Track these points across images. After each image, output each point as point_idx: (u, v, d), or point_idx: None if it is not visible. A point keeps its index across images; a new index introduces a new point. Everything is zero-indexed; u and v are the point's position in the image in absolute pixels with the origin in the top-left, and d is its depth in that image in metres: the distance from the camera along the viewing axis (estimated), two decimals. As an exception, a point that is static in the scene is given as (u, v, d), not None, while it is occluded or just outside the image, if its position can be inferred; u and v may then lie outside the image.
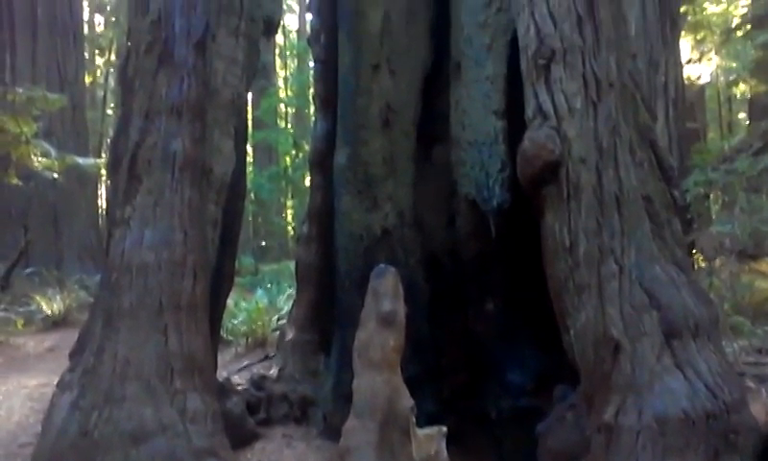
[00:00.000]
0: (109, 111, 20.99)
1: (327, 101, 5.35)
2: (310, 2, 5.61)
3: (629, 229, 3.21)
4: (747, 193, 6.63)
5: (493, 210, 4.37)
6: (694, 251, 6.81)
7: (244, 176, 4.91)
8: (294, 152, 17.53)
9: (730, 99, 15.49)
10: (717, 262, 6.53)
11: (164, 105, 3.59)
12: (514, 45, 4.08)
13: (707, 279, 6.12)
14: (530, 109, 3.58)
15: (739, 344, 5.29)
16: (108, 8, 20.08)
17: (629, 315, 3.05)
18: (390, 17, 4.92)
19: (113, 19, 19.10)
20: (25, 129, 9.34)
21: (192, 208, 3.62)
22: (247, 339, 7.49)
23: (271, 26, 4.53)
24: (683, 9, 10.31)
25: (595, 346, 3.09)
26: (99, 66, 21.67)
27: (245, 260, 15.51)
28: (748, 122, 14.72)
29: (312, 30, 5.68)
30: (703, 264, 6.84)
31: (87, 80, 17.86)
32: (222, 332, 6.37)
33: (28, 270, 11.83)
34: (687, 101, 9.08)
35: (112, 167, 3.78)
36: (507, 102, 4.33)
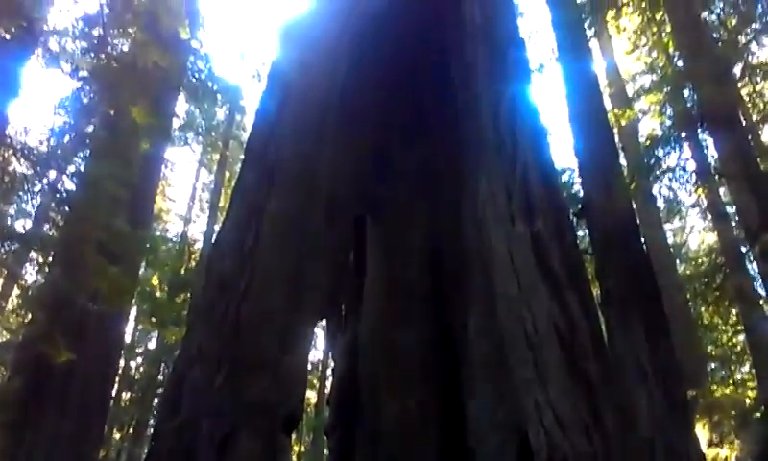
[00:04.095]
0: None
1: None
2: (329, 398, 5.93)
3: None
4: None
5: None
6: None
7: None
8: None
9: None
10: None
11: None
12: (527, 441, 4.13)
13: None
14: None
15: None
16: (136, 387, 21.03)
17: None
18: (407, 410, 5.12)
19: (139, 395, 19.81)
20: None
21: None
22: None
23: (292, 423, 4.70)
24: (692, 392, 10.54)
25: None
26: (115, 440, 21.60)
27: None
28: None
29: (329, 422, 5.85)
30: None
31: (101, 454, 17.61)
32: None
33: None
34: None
35: None
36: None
